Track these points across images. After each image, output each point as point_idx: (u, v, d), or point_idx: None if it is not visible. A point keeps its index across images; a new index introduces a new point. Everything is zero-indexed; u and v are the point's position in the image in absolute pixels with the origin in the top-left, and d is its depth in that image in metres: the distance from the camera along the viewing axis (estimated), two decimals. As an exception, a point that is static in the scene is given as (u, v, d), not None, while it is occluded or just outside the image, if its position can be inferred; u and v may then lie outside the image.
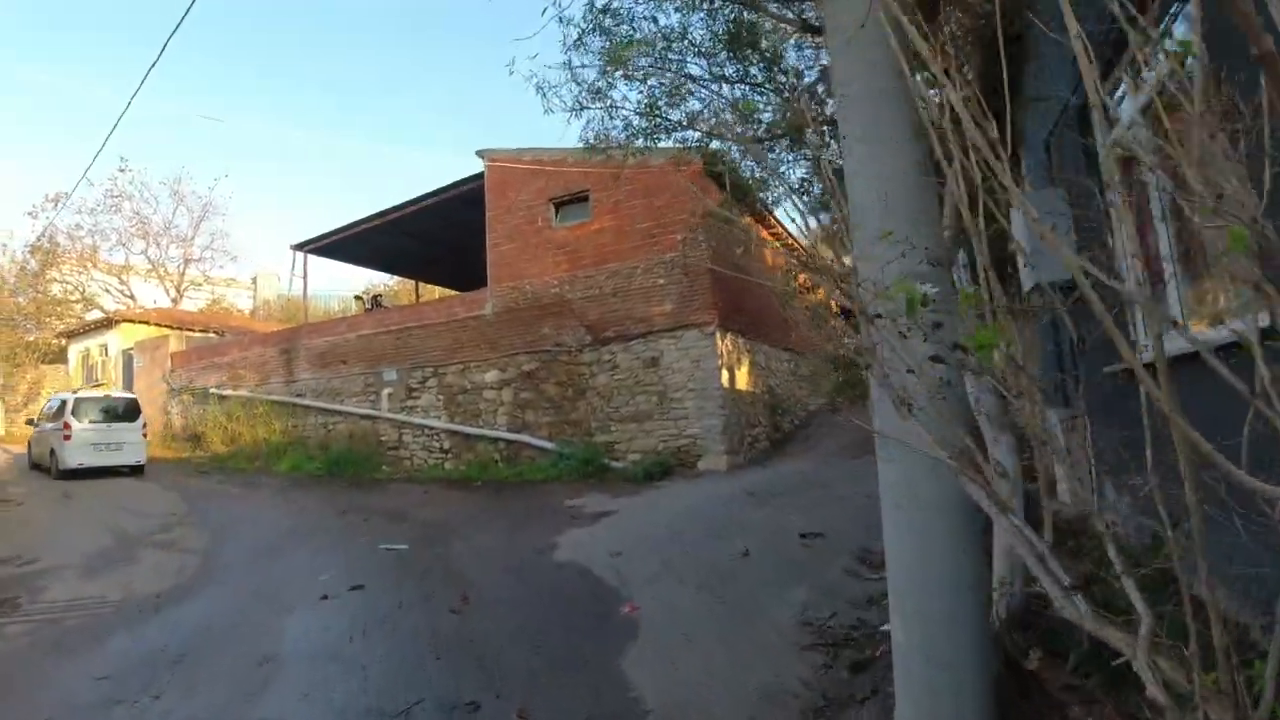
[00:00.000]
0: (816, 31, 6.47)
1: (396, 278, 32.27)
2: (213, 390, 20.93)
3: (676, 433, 12.90)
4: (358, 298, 21.82)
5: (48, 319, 32.74)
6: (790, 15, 6.93)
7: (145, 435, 17.46)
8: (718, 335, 12.83)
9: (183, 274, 37.32)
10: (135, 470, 16.80)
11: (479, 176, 16.22)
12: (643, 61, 8.00)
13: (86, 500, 13.13)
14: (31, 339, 31.27)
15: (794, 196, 9.95)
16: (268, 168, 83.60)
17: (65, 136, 76.71)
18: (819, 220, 11.48)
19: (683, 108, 8.46)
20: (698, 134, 8.78)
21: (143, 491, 14.10)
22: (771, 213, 16.46)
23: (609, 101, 8.47)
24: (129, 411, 17.42)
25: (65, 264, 34.51)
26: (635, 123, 8.55)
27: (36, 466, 17.95)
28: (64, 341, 29.51)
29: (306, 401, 18.42)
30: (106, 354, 26.76)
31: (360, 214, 18.90)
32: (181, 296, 37.27)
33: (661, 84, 8.23)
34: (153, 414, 23.55)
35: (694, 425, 12.76)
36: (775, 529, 8.09)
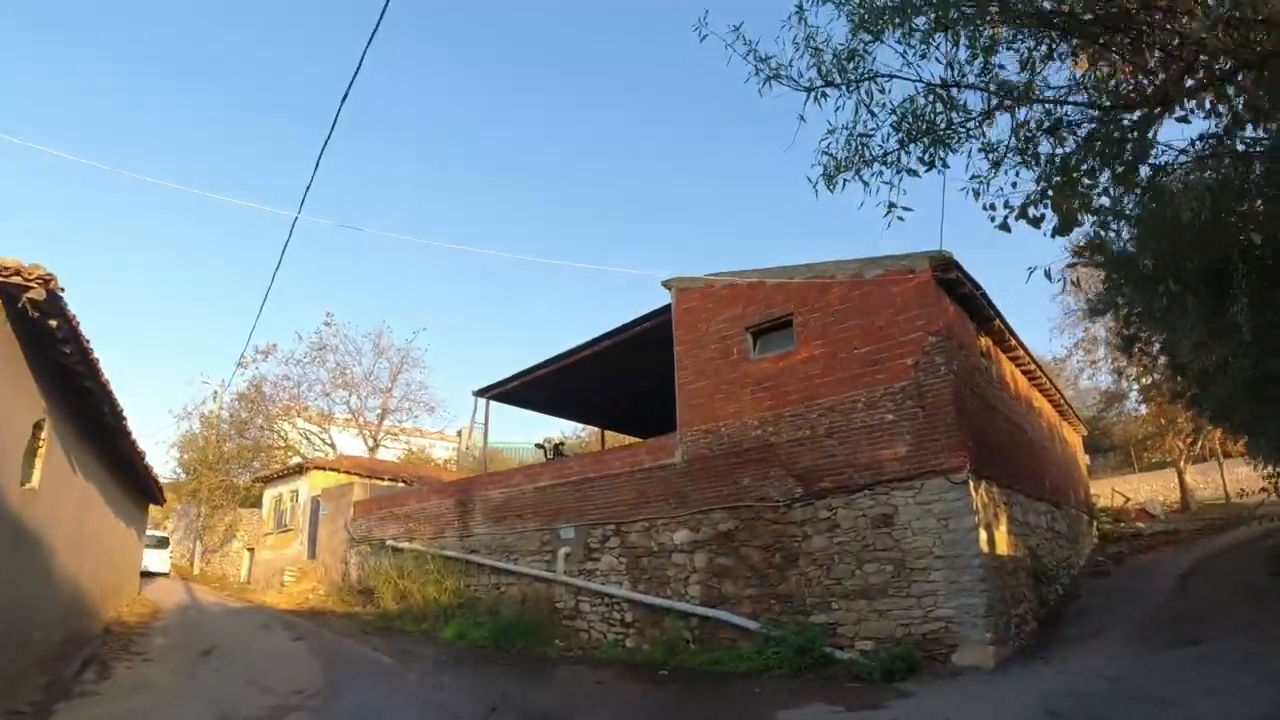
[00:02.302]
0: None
1: (592, 428, 31.08)
2: (388, 542, 19.79)
3: (921, 614, 9.88)
4: (538, 445, 20.39)
5: (251, 464, 33.85)
6: None
7: (170, 555, 29.79)
8: (971, 484, 9.93)
9: (380, 424, 37.99)
10: (161, 575, 27.52)
11: (665, 310, 14.47)
12: (919, 20, 5.23)
13: (220, 662, 11.73)
14: (240, 482, 32.27)
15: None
16: (467, 320, 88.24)
17: (285, 291, 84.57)
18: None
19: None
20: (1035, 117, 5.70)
21: (288, 656, 12.59)
22: (1013, 331, 13.62)
23: (870, 77, 5.51)
24: (161, 542, 29.25)
25: (274, 412, 36.00)
26: (919, 108, 5.55)
27: None
28: (262, 486, 30.04)
29: (480, 559, 16.72)
30: (296, 500, 26.69)
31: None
32: (378, 446, 37.83)
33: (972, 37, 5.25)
34: (333, 563, 22.83)
35: (945, 604, 9.72)
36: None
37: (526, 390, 19.20)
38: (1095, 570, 17.20)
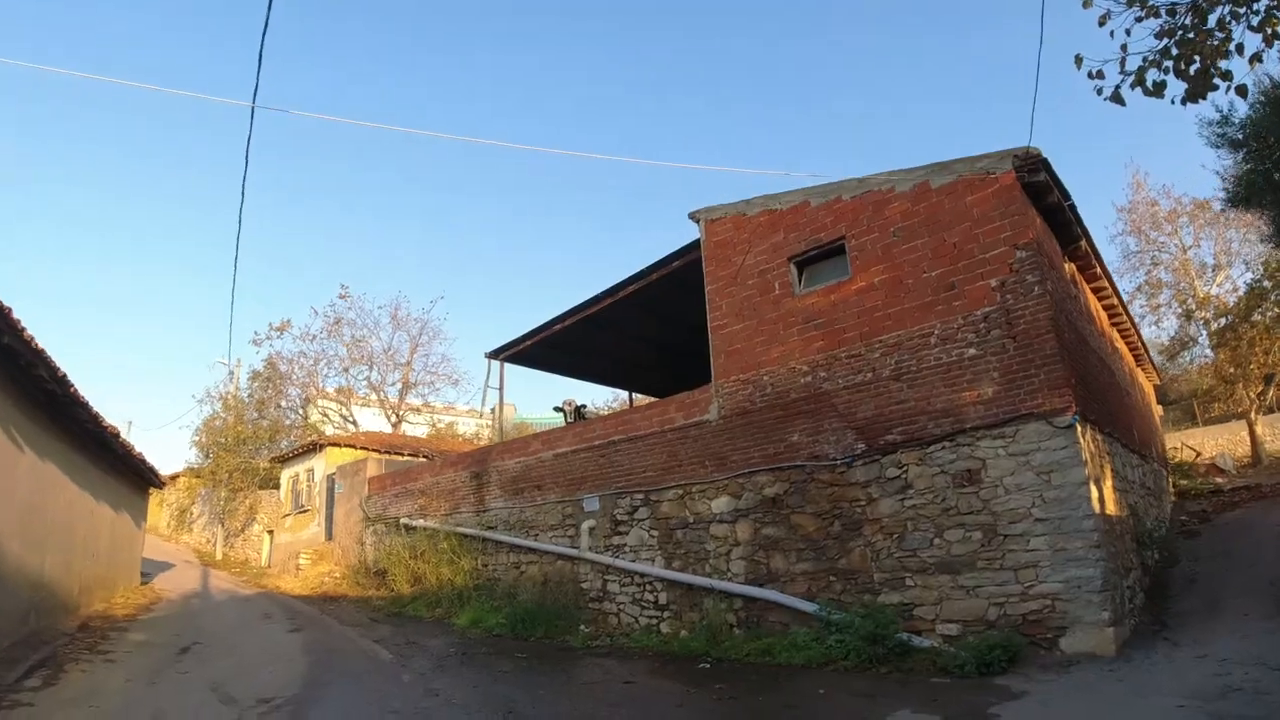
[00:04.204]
0: None
1: (622, 394, 29.32)
2: (402, 520, 18.27)
3: (1020, 589, 8.01)
4: (556, 409, 18.69)
5: (275, 443, 32.63)
6: None
7: None
8: (1079, 428, 8.02)
9: (401, 399, 36.55)
10: None
11: (694, 246, 12.60)
12: None
13: (193, 662, 10.21)
14: (259, 463, 31.01)
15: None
16: (493, 292, 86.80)
17: (292, 266, 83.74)
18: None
19: None
20: None
21: (276, 652, 10.99)
22: (1100, 256, 11.64)
23: None
24: None
25: (292, 388, 34.78)
26: None
27: None
28: (279, 466, 28.76)
29: (497, 536, 15.10)
30: (312, 479, 25.32)
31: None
32: (401, 421, 36.42)
33: None
34: (349, 544, 21.43)
35: (1050, 577, 7.85)
36: None
37: (544, 350, 17.46)
38: (1184, 530, 15.27)
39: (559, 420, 25.56)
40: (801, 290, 10.75)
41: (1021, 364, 8.38)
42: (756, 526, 10.48)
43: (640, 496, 12.28)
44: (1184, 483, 21.93)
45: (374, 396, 35.94)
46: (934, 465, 8.85)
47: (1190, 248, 29.91)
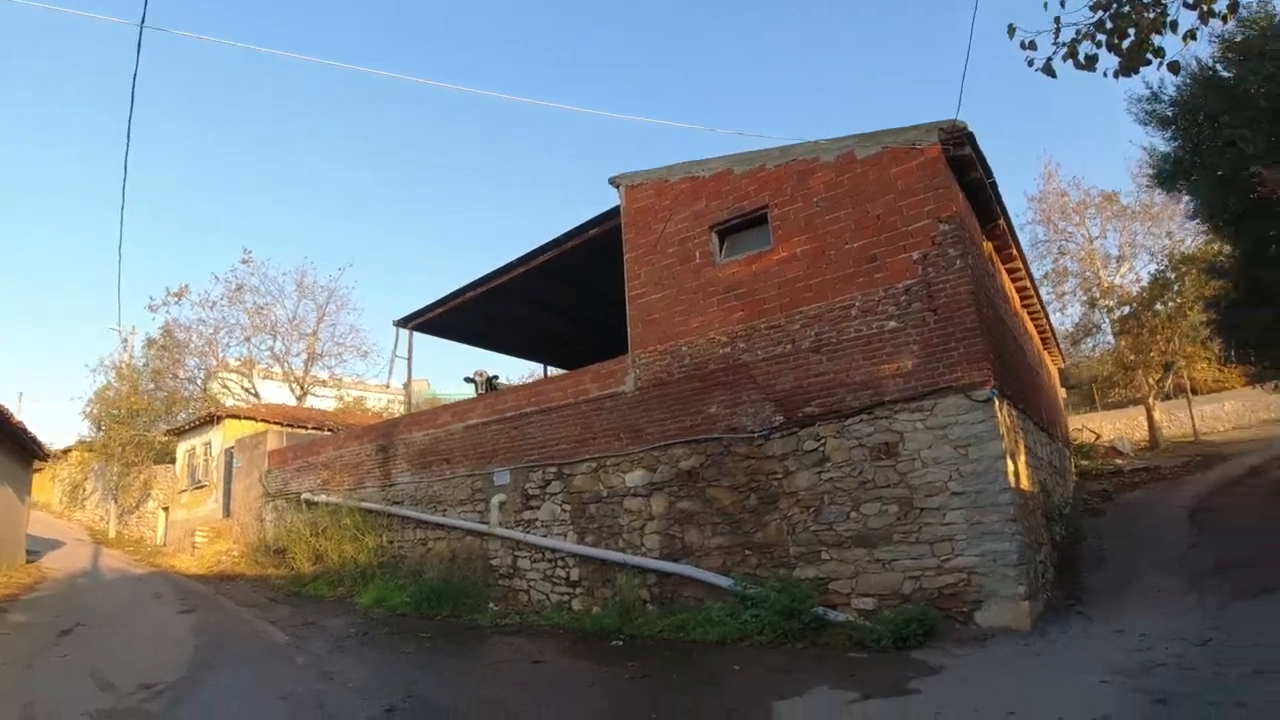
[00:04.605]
0: None
1: (538, 366, 28.76)
2: (304, 496, 17.47)
3: (936, 563, 7.94)
4: (467, 379, 18.07)
5: (172, 416, 30.98)
6: None
7: None
8: (996, 402, 7.96)
9: (307, 370, 35.06)
10: None
11: (614, 213, 12.20)
12: None
13: (74, 645, 9.44)
14: (161, 436, 29.39)
15: None
16: (409, 261, 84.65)
17: (190, 230, 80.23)
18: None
19: None
20: None
21: (163, 635, 10.26)
22: (1016, 236, 11.71)
23: None
24: None
25: (190, 358, 33.13)
26: None
27: None
28: (175, 439, 27.31)
29: (403, 511, 14.50)
30: (210, 453, 24.09)
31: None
32: (306, 395, 34.97)
33: None
34: (249, 521, 20.47)
35: (966, 551, 7.78)
36: None
37: (456, 320, 16.82)
38: (1088, 509, 15.68)
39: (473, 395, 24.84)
40: (723, 260, 10.47)
41: (941, 337, 8.27)
42: (671, 500, 10.21)
43: (553, 470, 11.88)
44: (1085, 463, 22.68)
45: (278, 368, 34.37)
46: (852, 438, 8.70)
47: (1097, 238, 30.87)
